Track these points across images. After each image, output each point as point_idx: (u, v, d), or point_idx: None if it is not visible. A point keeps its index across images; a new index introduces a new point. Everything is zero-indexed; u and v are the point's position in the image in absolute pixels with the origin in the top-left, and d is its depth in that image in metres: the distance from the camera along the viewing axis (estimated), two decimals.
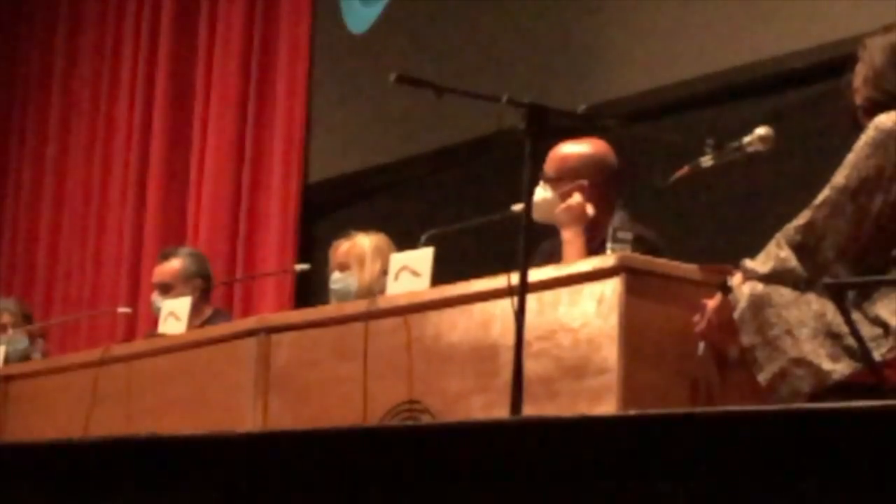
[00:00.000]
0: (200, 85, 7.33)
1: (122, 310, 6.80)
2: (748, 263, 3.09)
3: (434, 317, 3.60)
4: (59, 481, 2.31)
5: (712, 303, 3.13)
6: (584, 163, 3.97)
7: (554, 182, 3.94)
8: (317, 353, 3.91)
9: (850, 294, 3.03)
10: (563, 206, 3.88)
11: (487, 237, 4.39)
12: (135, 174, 7.53)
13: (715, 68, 5.08)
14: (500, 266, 3.32)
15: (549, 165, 3.96)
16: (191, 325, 4.79)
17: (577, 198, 3.88)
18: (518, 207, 3.69)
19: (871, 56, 3.21)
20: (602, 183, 3.95)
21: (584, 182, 3.91)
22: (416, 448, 2.01)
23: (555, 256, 3.88)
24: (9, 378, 5.23)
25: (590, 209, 3.87)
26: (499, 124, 3.23)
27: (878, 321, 2.99)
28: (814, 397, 2.92)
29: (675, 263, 3.33)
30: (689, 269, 3.29)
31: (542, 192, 3.89)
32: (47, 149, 8.22)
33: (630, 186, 4.19)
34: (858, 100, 3.22)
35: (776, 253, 3.06)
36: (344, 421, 3.64)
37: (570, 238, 3.84)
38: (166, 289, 5.35)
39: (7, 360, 5.49)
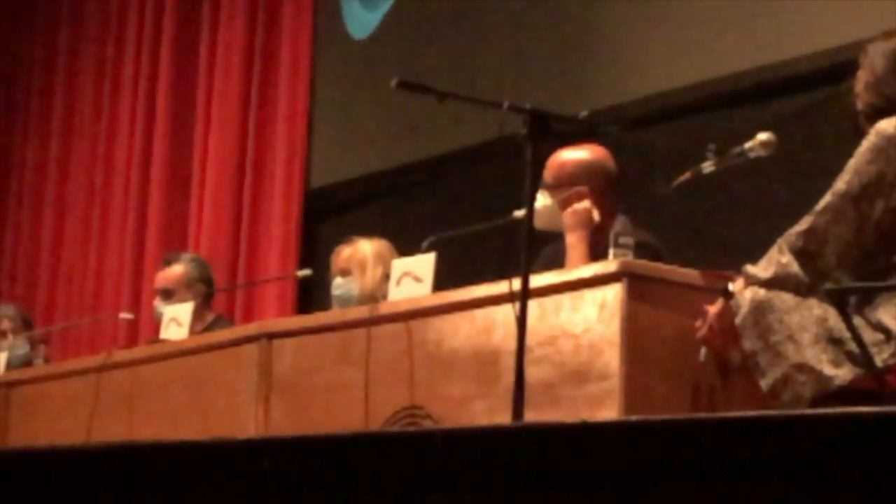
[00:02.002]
0: (202, 91, 7.33)
1: (124, 315, 6.79)
2: (750, 269, 3.08)
3: (436, 322, 3.60)
4: (60, 487, 2.31)
5: (714, 308, 3.13)
6: (581, 169, 3.97)
7: (552, 189, 3.94)
8: (318, 358, 3.91)
9: (852, 299, 3.03)
10: (570, 210, 3.87)
11: (489, 243, 4.40)
12: (137, 180, 7.53)
13: (716, 74, 5.08)
14: (501, 272, 3.32)
15: (548, 172, 3.96)
16: (192, 330, 4.79)
17: (585, 203, 3.87)
18: (519, 213, 3.69)
19: (873, 62, 3.21)
20: (601, 188, 3.94)
21: (583, 188, 3.91)
22: (417, 454, 2.01)
23: (556, 261, 3.88)
24: (11, 384, 5.23)
25: (595, 214, 3.86)
26: (500, 130, 3.23)
27: (879, 327, 2.99)
28: (815, 403, 2.92)
29: (677, 269, 3.33)
30: (691, 274, 3.29)
31: (541, 200, 3.89)
32: (50, 154, 8.22)
33: (632, 192, 4.19)
34: (860, 105, 3.23)
35: (778, 258, 3.06)
36: (346, 427, 3.64)
37: (574, 243, 3.84)
38: (168, 294, 5.35)
39: (9, 366, 5.49)
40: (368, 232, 4.85)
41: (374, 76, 6.34)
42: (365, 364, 3.70)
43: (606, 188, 3.96)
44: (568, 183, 3.94)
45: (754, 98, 4.97)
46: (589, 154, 4.02)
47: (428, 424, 3.51)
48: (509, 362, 3.16)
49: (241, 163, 7.03)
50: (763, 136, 3.33)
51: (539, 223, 3.76)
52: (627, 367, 3.13)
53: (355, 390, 3.70)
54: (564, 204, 3.90)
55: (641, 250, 3.47)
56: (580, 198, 3.90)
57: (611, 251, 3.36)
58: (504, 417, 3.16)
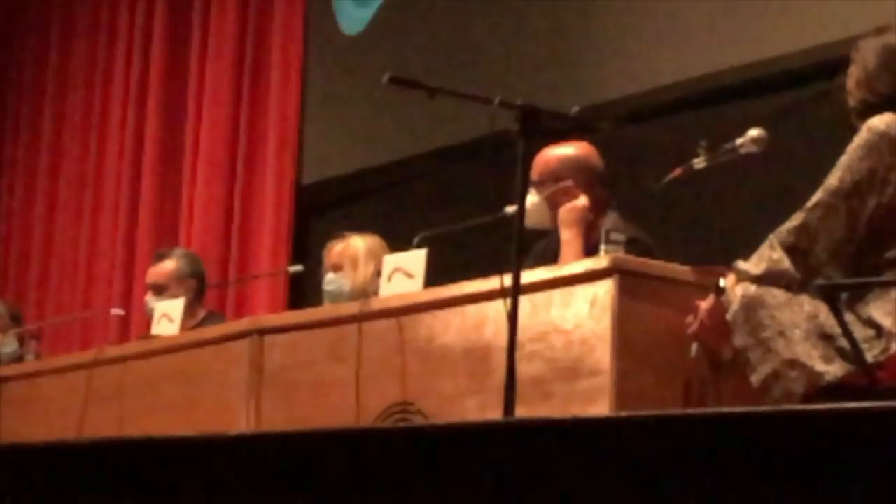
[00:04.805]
0: (194, 86, 7.32)
1: (116, 311, 6.79)
2: (741, 265, 3.09)
3: (427, 318, 3.60)
4: (51, 483, 2.31)
5: (705, 304, 3.13)
6: (564, 164, 3.98)
7: (538, 186, 3.95)
8: (310, 354, 3.90)
9: (843, 295, 3.03)
10: (567, 206, 3.87)
11: (480, 239, 4.40)
12: (128, 175, 7.52)
13: (708, 70, 5.08)
14: (493, 268, 3.32)
15: (534, 170, 3.96)
16: (184, 326, 4.78)
17: (583, 199, 3.88)
18: (511, 209, 3.69)
19: (864, 58, 3.21)
20: (586, 183, 3.94)
21: (568, 183, 3.92)
22: (409, 450, 2.01)
23: (547, 257, 3.88)
24: (1, 380, 5.23)
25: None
26: (492, 126, 3.23)
27: (870, 323, 2.99)
28: (806, 399, 2.93)
29: (668, 265, 3.33)
30: (682, 270, 3.30)
31: (528, 198, 3.88)
32: (41, 149, 8.21)
33: (623, 188, 4.19)
34: (851, 102, 3.23)
35: (769, 254, 3.06)
36: (337, 423, 3.64)
37: (570, 239, 3.84)
38: (160, 290, 5.34)
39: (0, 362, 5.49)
40: (360, 228, 4.85)
41: (365, 72, 6.33)
42: (356, 360, 3.70)
43: (592, 183, 3.96)
44: (552, 179, 3.95)
45: (745, 94, 4.97)
46: (573, 150, 4.03)
47: (419, 420, 3.51)
48: (500, 358, 3.16)
49: (233, 158, 7.02)
50: (754, 132, 3.33)
51: (527, 221, 3.76)
52: (618, 362, 3.13)
53: (347, 386, 3.70)
54: (551, 200, 3.90)
55: (632, 246, 3.47)
56: (566, 193, 3.90)
57: (602, 247, 3.36)
58: (495, 413, 3.16)
